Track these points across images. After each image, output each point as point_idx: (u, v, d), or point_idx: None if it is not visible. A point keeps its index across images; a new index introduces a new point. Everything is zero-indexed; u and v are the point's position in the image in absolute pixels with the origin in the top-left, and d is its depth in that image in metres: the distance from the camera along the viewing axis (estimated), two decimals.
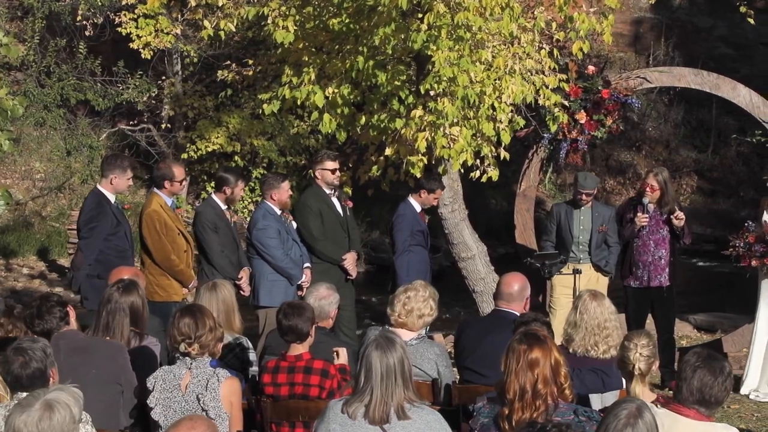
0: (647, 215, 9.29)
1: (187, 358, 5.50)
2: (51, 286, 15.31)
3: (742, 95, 10.59)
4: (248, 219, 11.30)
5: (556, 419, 4.50)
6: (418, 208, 9.64)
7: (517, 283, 6.73)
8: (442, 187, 9.70)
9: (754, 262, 8.99)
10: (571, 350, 6.20)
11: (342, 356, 6.20)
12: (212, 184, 13.18)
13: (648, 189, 9.33)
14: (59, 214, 17.76)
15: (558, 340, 7.11)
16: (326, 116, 9.22)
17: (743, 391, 9.12)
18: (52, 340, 5.68)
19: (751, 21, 10.85)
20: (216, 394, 5.40)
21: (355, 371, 6.41)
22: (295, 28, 9.01)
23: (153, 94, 18.02)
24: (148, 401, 5.50)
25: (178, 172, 8.93)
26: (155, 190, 8.93)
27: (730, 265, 9.47)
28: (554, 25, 9.22)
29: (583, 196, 9.54)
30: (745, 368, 9.26)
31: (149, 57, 14.58)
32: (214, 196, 9.26)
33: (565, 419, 4.57)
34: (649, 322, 9.58)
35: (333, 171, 9.41)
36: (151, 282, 8.64)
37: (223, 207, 9.17)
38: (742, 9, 10.70)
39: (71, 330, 5.85)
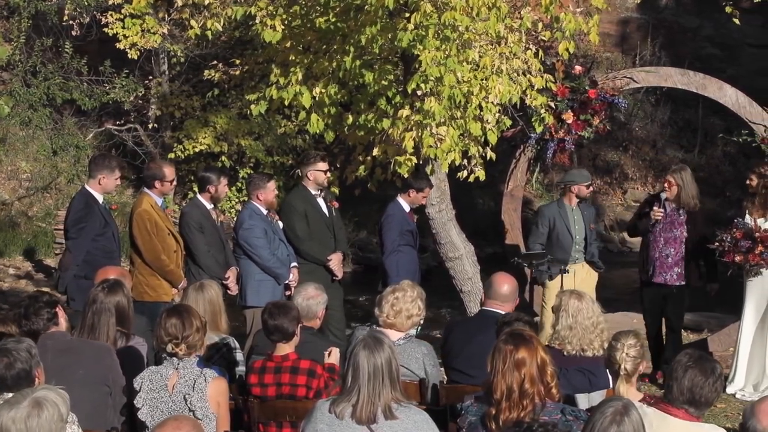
0: (662, 210, 9.38)
1: (174, 358, 5.50)
2: (37, 287, 15.24)
3: (728, 95, 10.62)
4: (235, 219, 11.29)
5: (544, 419, 4.50)
6: (407, 207, 9.65)
7: (509, 284, 6.75)
8: (430, 186, 9.71)
9: (738, 258, 9.02)
10: (565, 352, 6.21)
11: (334, 355, 6.20)
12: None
13: (666, 185, 9.50)
14: (46, 214, 17.70)
15: (544, 340, 7.13)
16: (313, 116, 9.21)
17: (729, 390, 9.15)
18: (40, 340, 5.68)
19: (736, 21, 10.87)
20: (203, 394, 5.40)
21: (343, 371, 6.43)
22: (283, 27, 9.00)
23: (140, 94, 17.97)
24: (135, 401, 5.50)
25: (169, 172, 8.92)
26: (146, 190, 8.92)
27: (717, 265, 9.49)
28: (540, 25, 9.22)
29: (582, 189, 9.75)
30: (732, 368, 9.28)
31: (136, 57, 14.54)
32: (199, 197, 9.26)
33: (552, 418, 4.58)
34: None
35: (325, 172, 9.46)
36: (141, 282, 8.63)
37: (209, 206, 9.17)
38: (728, 9, 10.71)
39: (59, 331, 5.83)
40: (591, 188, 9.87)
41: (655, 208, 9.44)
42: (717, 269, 9.58)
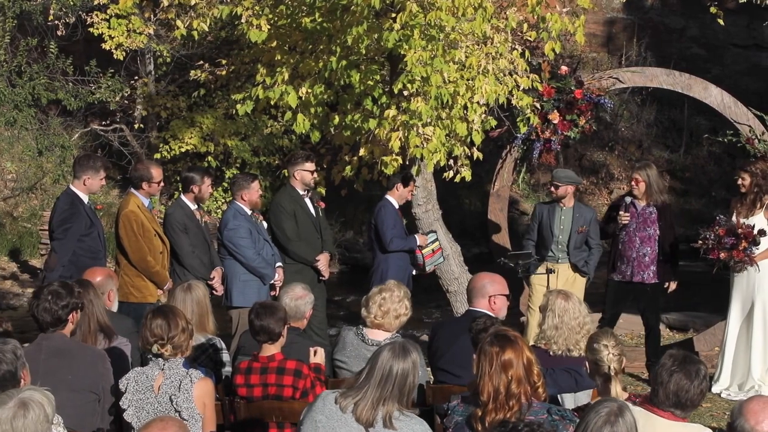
0: (628, 214, 9.41)
1: (159, 359, 5.48)
2: (23, 287, 15.21)
3: (713, 95, 10.65)
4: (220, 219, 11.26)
5: (530, 418, 4.50)
6: (396, 205, 9.69)
7: (488, 279, 6.73)
8: (414, 177, 9.73)
9: (722, 255, 9.06)
10: (551, 352, 6.22)
11: (319, 355, 6.19)
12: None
13: (633, 183, 9.52)
14: (31, 215, 17.65)
15: (530, 340, 7.13)
16: (300, 116, 9.20)
17: (715, 390, 9.17)
18: (37, 339, 5.64)
19: (721, 22, 10.90)
20: (189, 395, 5.38)
21: (329, 371, 6.43)
22: (269, 27, 8.99)
23: (125, 94, 17.95)
24: (120, 403, 5.48)
25: (156, 173, 8.88)
26: (132, 190, 8.88)
27: (702, 264, 9.53)
28: (526, 26, 9.24)
29: (551, 188, 9.67)
30: (717, 367, 9.31)
31: (122, 58, 14.52)
32: (183, 197, 9.23)
33: (538, 418, 4.58)
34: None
35: (312, 172, 9.46)
36: (126, 283, 8.60)
37: (193, 207, 9.14)
38: (713, 10, 10.74)
39: (59, 333, 5.74)
40: (561, 189, 9.65)
41: (621, 212, 9.45)
42: (678, 267, 9.69)
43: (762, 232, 9.00)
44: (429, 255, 9.78)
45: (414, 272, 9.83)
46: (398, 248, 9.54)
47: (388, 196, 9.69)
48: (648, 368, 9.50)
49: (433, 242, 9.84)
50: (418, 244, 9.71)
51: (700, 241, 9.19)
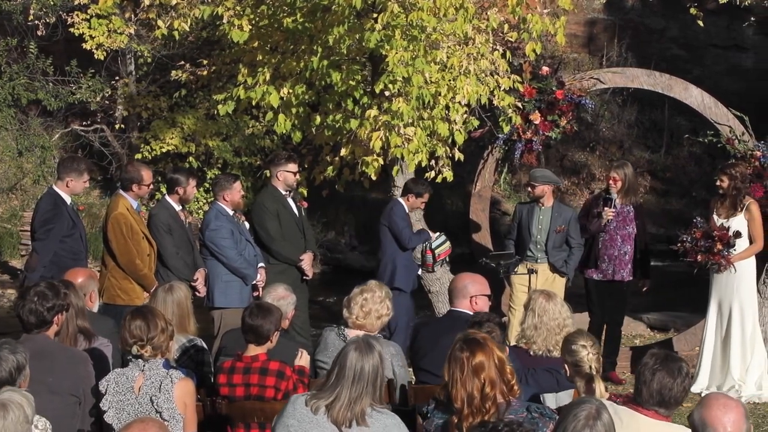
0: (614, 209, 9.44)
1: (139, 360, 5.47)
2: (3, 288, 15.14)
3: (693, 96, 10.68)
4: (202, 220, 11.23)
5: (509, 417, 4.50)
6: (407, 209, 9.69)
7: (462, 281, 6.73)
8: (430, 191, 9.73)
9: (699, 258, 9.12)
10: (532, 352, 6.22)
11: (304, 357, 6.18)
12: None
13: (611, 182, 9.57)
14: (11, 216, 17.57)
15: (512, 341, 7.13)
16: (281, 116, 9.20)
17: (695, 389, 9.19)
18: (20, 339, 5.61)
19: (700, 23, 10.96)
20: (170, 395, 5.37)
21: (311, 372, 6.42)
22: (250, 27, 8.98)
23: (106, 95, 17.88)
24: (101, 404, 5.46)
25: (147, 175, 8.83)
26: (121, 192, 8.80)
27: (682, 264, 9.57)
28: (507, 26, 9.26)
29: (529, 188, 9.72)
30: (697, 367, 9.35)
31: (102, 58, 14.47)
32: (167, 198, 9.19)
33: (518, 417, 4.58)
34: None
35: (294, 173, 9.46)
36: (113, 285, 8.56)
37: (178, 208, 9.11)
38: (693, 11, 10.80)
39: (42, 335, 5.70)
40: (537, 189, 9.65)
41: (606, 208, 9.48)
42: (650, 265, 9.84)
43: (737, 234, 9.07)
44: (442, 254, 9.85)
45: (420, 271, 9.89)
46: (416, 245, 9.65)
47: (400, 199, 9.70)
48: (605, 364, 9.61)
49: (443, 243, 9.89)
50: (431, 236, 9.79)
51: (679, 244, 9.26)
